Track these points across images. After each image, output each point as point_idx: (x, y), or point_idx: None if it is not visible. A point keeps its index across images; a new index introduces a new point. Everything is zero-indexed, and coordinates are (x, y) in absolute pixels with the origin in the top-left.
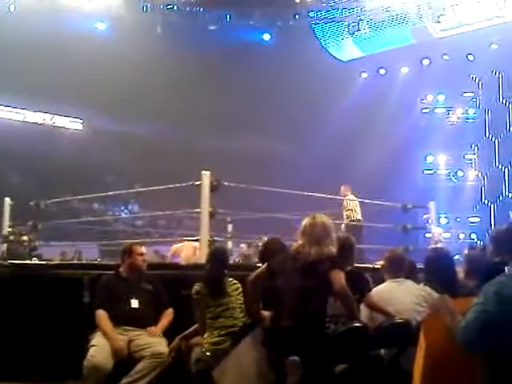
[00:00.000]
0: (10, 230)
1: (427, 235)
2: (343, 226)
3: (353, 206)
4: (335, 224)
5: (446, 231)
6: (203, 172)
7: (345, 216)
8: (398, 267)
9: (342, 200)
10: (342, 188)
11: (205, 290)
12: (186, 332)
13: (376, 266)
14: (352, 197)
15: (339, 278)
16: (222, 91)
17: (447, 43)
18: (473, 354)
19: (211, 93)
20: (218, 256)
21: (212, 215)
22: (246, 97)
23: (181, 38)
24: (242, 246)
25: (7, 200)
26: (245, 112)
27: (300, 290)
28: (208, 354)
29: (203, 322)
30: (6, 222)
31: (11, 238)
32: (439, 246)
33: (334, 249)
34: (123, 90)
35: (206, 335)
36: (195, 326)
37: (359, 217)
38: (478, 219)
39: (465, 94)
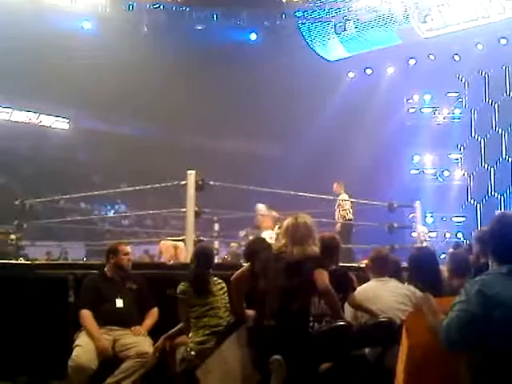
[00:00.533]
0: None
1: (413, 234)
2: (338, 225)
3: (348, 205)
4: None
5: (431, 230)
6: (188, 171)
7: (339, 215)
8: (382, 267)
9: (332, 199)
10: (335, 185)
11: (190, 289)
12: (171, 331)
13: (361, 265)
14: (345, 196)
15: (323, 277)
16: (208, 91)
17: (433, 43)
18: (456, 352)
19: (198, 92)
20: (202, 255)
21: (198, 214)
22: (232, 96)
23: (167, 38)
24: (233, 244)
25: None
26: (231, 112)
27: (282, 290)
28: (193, 353)
29: (188, 321)
30: None
31: None
32: (424, 244)
33: (316, 248)
34: (109, 90)
35: (190, 334)
36: (180, 325)
37: (351, 216)
38: (462, 219)
39: (451, 94)
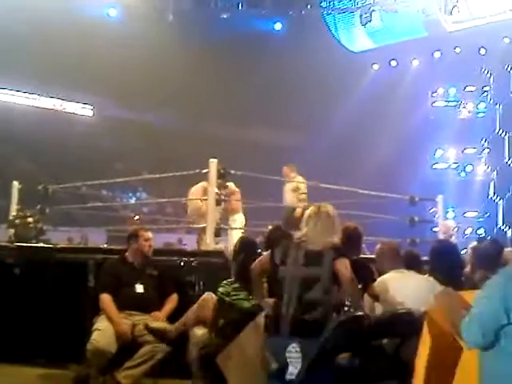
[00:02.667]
0: (14, 213)
1: (435, 229)
2: (299, 211)
3: (305, 189)
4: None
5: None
6: (210, 160)
7: (298, 200)
8: (395, 258)
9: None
10: (285, 168)
11: (235, 293)
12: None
13: None
14: (301, 179)
15: (344, 266)
16: (232, 80)
17: (459, 36)
18: (477, 347)
19: (222, 81)
20: (249, 246)
21: (218, 203)
22: (256, 86)
23: (192, 26)
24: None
25: (15, 184)
26: (255, 101)
27: (302, 279)
28: (215, 341)
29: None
30: (14, 205)
31: (17, 221)
32: (451, 239)
33: (337, 239)
34: (134, 77)
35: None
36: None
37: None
38: (474, 214)
39: (476, 88)
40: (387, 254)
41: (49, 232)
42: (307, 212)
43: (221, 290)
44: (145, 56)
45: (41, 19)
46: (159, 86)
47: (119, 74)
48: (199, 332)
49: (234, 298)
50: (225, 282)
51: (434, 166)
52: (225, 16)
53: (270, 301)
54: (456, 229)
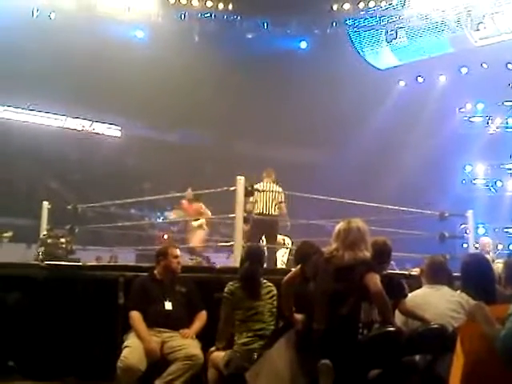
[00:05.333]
0: (46, 233)
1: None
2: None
3: (258, 197)
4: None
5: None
6: (237, 177)
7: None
8: (438, 274)
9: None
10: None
11: (238, 290)
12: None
13: (412, 273)
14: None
15: (375, 280)
16: (258, 99)
17: (486, 51)
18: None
19: (248, 100)
20: (254, 254)
21: (246, 220)
22: (281, 104)
23: (218, 46)
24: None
25: (45, 204)
26: (281, 119)
27: (332, 294)
28: (238, 354)
29: (229, 323)
30: (44, 225)
31: (49, 240)
32: (490, 255)
33: (368, 253)
34: (161, 98)
35: (235, 337)
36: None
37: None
38: (507, 229)
39: (504, 103)
40: (433, 268)
41: (78, 251)
42: (337, 227)
43: (226, 289)
44: (171, 76)
45: (69, 42)
46: (186, 105)
47: (146, 95)
48: (217, 354)
49: (238, 297)
50: (230, 283)
51: (464, 182)
52: (250, 36)
53: (300, 316)
54: (492, 245)
